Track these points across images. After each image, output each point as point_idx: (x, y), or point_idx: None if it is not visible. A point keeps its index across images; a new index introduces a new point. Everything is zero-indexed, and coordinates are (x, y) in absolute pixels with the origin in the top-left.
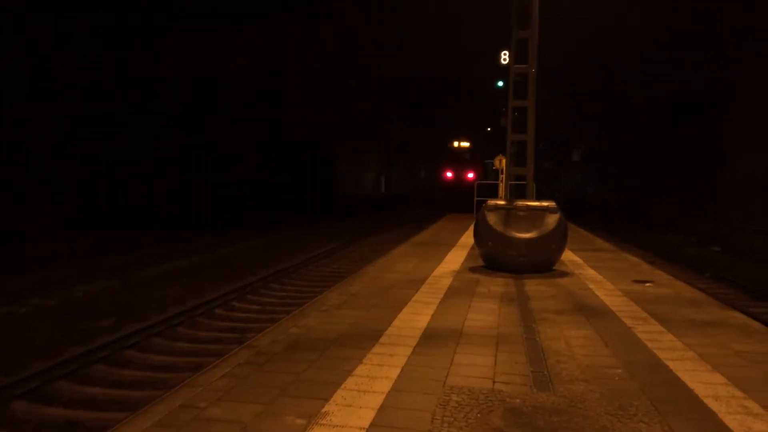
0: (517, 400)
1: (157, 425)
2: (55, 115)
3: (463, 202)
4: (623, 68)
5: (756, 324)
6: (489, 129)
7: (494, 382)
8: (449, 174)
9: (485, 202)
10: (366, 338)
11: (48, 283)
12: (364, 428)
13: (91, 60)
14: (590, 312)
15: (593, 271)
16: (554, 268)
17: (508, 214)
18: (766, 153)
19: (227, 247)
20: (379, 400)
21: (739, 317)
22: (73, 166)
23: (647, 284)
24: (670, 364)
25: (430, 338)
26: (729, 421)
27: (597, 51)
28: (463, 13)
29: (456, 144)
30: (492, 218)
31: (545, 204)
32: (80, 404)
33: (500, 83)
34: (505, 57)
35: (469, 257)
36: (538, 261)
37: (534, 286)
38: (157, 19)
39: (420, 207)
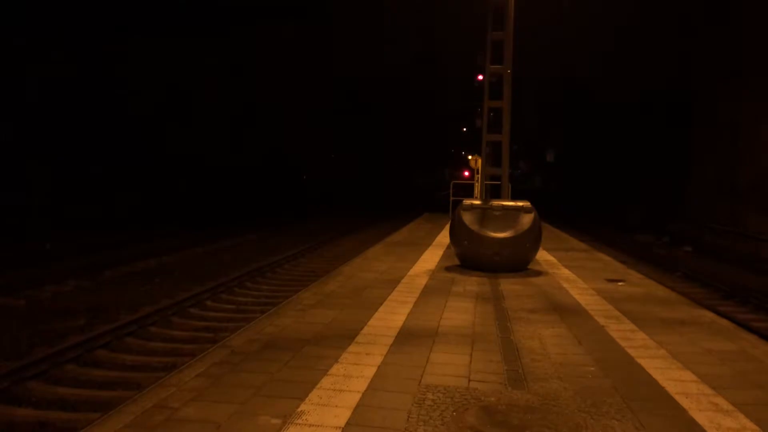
0: (492, 399)
1: (129, 426)
2: (22, 115)
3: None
4: (592, 73)
5: (725, 322)
6: (465, 129)
7: (469, 380)
8: (466, 173)
9: (461, 201)
10: (342, 337)
11: (17, 283)
12: (340, 427)
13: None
14: (564, 311)
15: (567, 271)
16: (529, 267)
17: (484, 214)
18: (730, 157)
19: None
20: (355, 399)
21: (709, 316)
22: (43, 165)
23: (619, 283)
24: (642, 362)
25: (406, 337)
26: (699, 417)
27: (565, 54)
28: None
29: (470, 157)
30: (467, 218)
31: (520, 204)
32: (51, 405)
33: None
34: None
35: (444, 256)
36: (513, 260)
37: (509, 285)
38: (128, 26)
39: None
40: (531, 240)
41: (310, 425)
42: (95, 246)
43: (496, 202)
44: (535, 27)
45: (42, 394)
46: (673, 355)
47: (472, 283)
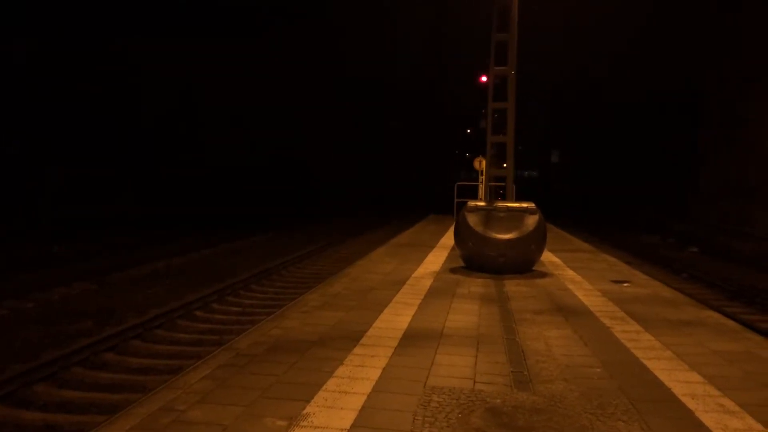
0: (498, 400)
1: (136, 428)
2: (32, 120)
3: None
4: (599, 74)
5: (731, 323)
6: (468, 131)
7: (475, 382)
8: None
9: (466, 203)
10: (347, 339)
11: (25, 286)
12: (345, 429)
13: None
14: (569, 312)
15: (572, 272)
16: (534, 268)
17: (488, 215)
18: (738, 157)
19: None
20: (360, 401)
21: (714, 316)
22: (50, 168)
23: (625, 284)
24: (648, 363)
25: (410, 339)
26: (705, 419)
27: (573, 55)
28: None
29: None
30: (472, 219)
31: (525, 205)
32: (58, 407)
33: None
34: None
35: (449, 258)
36: (518, 262)
37: (514, 286)
38: (131, 28)
39: None
40: (536, 241)
41: (316, 427)
42: (104, 248)
43: (500, 204)
44: (543, 30)
45: (49, 396)
46: (679, 356)
47: (477, 284)
